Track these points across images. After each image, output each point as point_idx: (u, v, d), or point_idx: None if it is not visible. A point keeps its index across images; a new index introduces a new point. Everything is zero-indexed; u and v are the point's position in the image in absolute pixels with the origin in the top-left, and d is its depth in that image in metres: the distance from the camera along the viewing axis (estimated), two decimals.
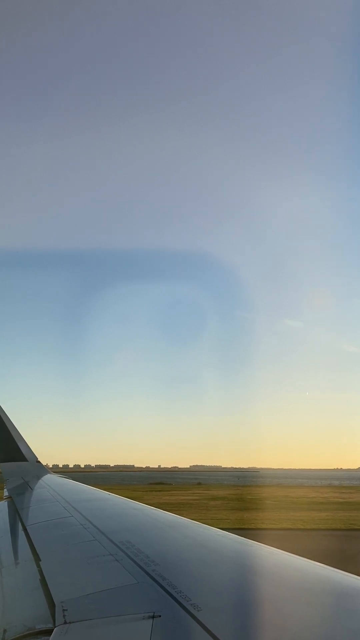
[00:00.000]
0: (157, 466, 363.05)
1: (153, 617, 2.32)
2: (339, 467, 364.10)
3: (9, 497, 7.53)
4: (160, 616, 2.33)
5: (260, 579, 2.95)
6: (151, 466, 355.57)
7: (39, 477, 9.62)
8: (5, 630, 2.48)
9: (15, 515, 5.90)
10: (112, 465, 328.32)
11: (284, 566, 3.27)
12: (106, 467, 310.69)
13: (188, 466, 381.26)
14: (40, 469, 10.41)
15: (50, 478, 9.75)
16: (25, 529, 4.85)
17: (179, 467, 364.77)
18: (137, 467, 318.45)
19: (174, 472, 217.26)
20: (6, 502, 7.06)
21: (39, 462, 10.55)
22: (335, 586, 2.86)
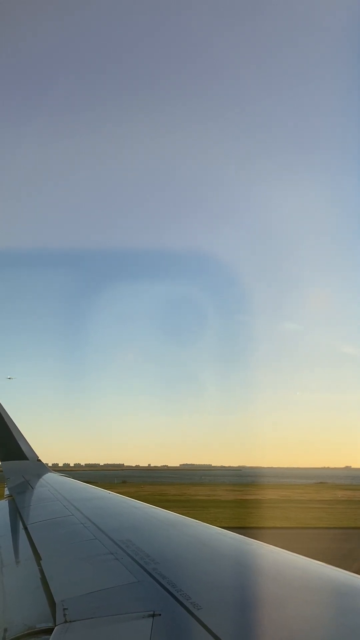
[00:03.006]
0: (147, 465, 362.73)
1: (153, 615, 2.32)
2: (327, 466, 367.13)
3: (10, 495, 7.56)
4: (160, 615, 2.33)
5: (260, 577, 2.95)
6: (141, 465, 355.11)
7: (39, 476, 9.59)
8: (5, 629, 2.49)
9: (16, 514, 5.95)
10: (101, 464, 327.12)
11: (285, 565, 3.26)
12: (96, 465, 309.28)
13: (178, 465, 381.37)
14: (41, 468, 10.36)
15: (50, 477, 9.73)
16: (26, 528, 4.88)
17: (169, 465, 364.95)
18: (127, 466, 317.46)
19: (161, 471, 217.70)
20: (7, 501, 7.10)
21: (39, 460, 10.50)
22: (336, 585, 2.86)
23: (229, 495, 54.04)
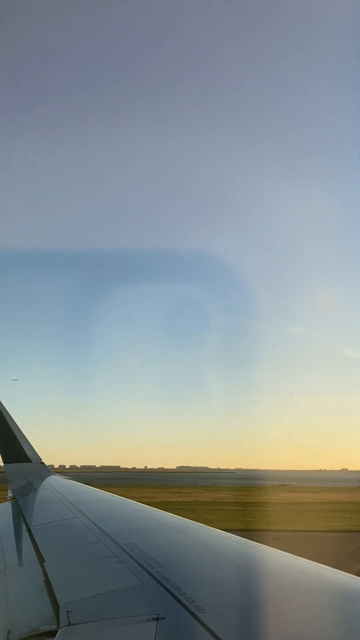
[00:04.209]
0: (143, 467, 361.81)
1: (157, 619, 2.32)
2: (324, 469, 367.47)
3: (13, 498, 7.57)
4: (164, 618, 2.32)
5: (264, 581, 2.94)
6: (137, 467, 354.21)
7: (42, 478, 9.58)
8: (9, 632, 2.49)
9: (20, 516, 5.94)
10: (97, 465, 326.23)
11: (289, 568, 3.26)
12: (92, 467, 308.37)
13: (174, 467, 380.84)
14: (44, 470, 10.34)
15: (53, 479, 9.72)
16: (29, 530, 4.87)
17: (165, 467, 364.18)
18: (123, 468, 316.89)
19: (151, 473, 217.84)
20: (10, 503, 7.11)
21: (42, 463, 10.50)
22: (340, 588, 2.85)
23: (165, 497, 54.40)
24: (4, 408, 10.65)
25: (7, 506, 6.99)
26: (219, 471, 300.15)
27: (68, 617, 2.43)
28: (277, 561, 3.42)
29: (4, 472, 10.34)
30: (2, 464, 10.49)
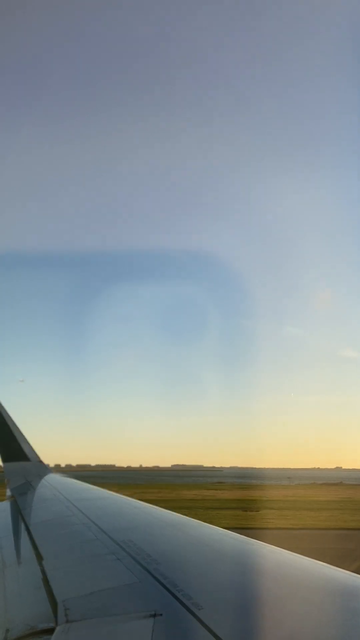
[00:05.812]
0: (138, 465, 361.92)
1: (154, 615, 2.32)
2: (318, 467, 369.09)
3: (12, 496, 7.61)
4: (161, 615, 2.33)
5: (262, 577, 2.95)
6: (132, 465, 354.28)
7: (41, 477, 9.61)
8: (7, 630, 2.49)
9: (18, 514, 6.00)
10: (93, 464, 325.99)
11: (286, 565, 3.28)
12: (87, 466, 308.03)
13: (170, 465, 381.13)
14: (43, 469, 10.36)
15: (52, 477, 9.78)
16: (27, 528, 4.91)
17: (160, 466, 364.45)
18: (118, 467, 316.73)
19: (143, 471, 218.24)
20: (9, 502, 7.15)
21: (41, 461, 10.50)
22: (338, 585, 2.86)
23: None
24: (2, 407, 10.65)
25: (5, 505, 7.04)
26: (212, 469, 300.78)
27: (66, 615, 2.43)
28: (275, 558, 3.43)
29: (2, 471, 10.37)
30: (0, 463, 10.54)
